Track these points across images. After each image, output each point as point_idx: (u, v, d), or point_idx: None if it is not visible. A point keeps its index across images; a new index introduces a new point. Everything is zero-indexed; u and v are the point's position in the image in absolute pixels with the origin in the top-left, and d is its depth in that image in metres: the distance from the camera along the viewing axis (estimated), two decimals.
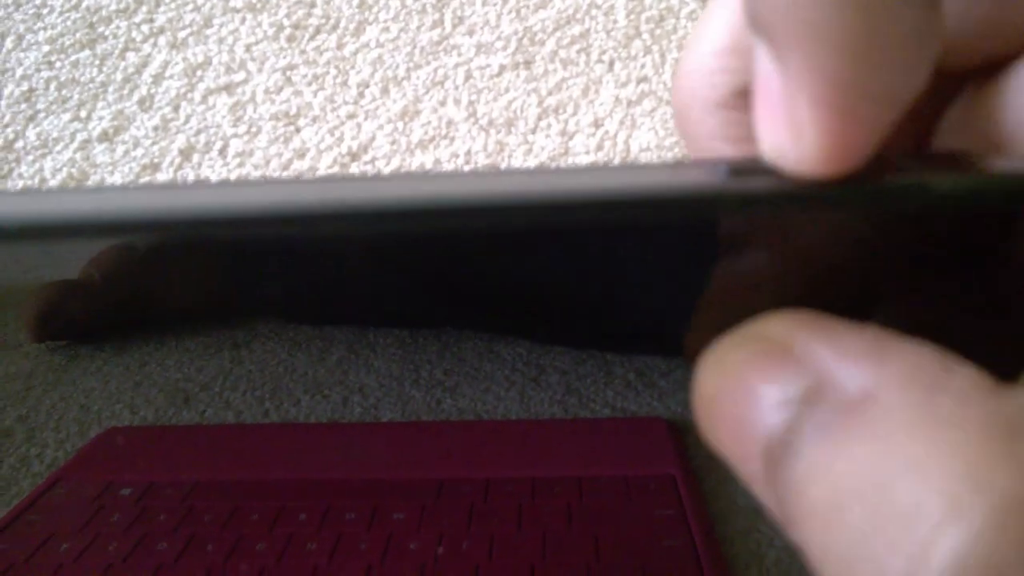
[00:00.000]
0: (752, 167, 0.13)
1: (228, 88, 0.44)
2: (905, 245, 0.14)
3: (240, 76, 0.45)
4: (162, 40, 0.47)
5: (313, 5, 0.48)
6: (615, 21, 0.46)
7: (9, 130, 0.43)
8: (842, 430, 0.10)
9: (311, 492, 0.28)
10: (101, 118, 0.44)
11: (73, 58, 0.46)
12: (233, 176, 0.41)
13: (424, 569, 0.26)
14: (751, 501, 0.25)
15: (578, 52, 0.45)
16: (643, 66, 0.45)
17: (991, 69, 0.15)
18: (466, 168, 0.41)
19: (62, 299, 0.23)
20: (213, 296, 0.23)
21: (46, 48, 0.47)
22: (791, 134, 0.12)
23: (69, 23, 0.48)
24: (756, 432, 0.11)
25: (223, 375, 0.25)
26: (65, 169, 0.41)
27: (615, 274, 0.19)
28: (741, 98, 0.16)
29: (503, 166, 0.41)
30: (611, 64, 0.45)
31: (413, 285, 0.21)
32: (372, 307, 0.23)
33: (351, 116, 0.43)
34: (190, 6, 0.48)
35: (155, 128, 0.43)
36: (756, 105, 0.12)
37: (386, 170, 0.41)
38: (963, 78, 0.16)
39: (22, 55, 0.46)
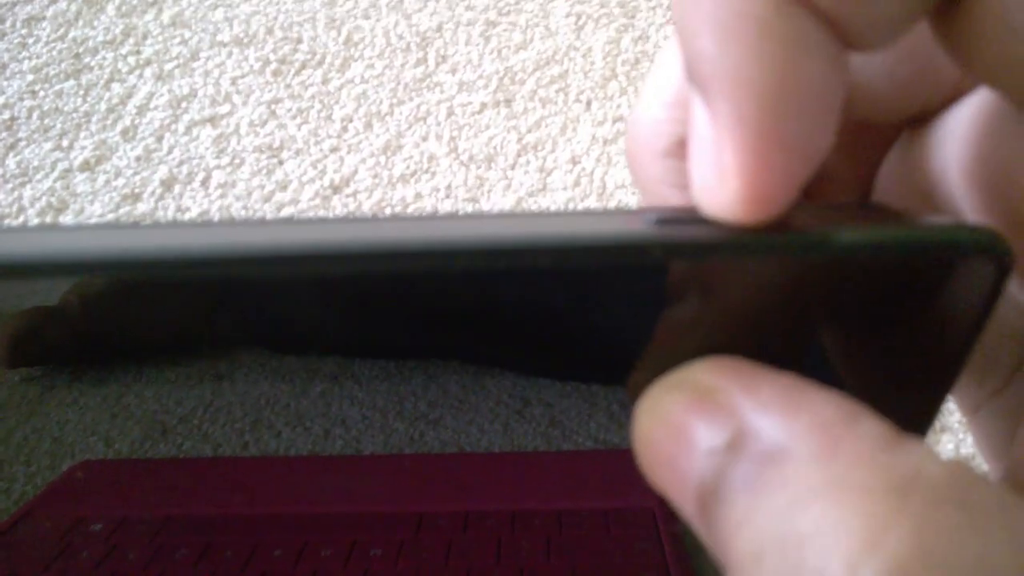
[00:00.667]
0: (680, 217, 0.14)
1: (212, 120, 0.45)
2: (823, 294, 0.15)
3: (225, 108, 0.45)
4: (148, 72, 0.47)
5: (299, 41, 0.48)
6: (592, 63, 0.48)
7: None
8: (761, 483, 0.11)
9: (288, 527, 0.28)
10: (83, 148, 0.44)
11: (57, 87, 0.46)
12: (214, 207, 0.41)
13: None
14: None
15: (557, 92, 0.46)
16: (619, 106, 0.46)
17: (919, 123, 0.16)
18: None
19: (39, 325, 0.23)
20: (195, 325, 0.23)
21: (30, 77, 0.47)
22: (717, 177, 0.13)
23: (55, 53, 0.48)
24: (689, 477, 0.12)
25: (202, 407, 0.25)
26: (44, 198, 0.41)
27: (598, 307, 0.19)
28: (685, 147, 0.17)
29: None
30: (588, 104, 0.46)
31: (399, 316, 0.21)
32: (357, 338, 0.23)
33: (334, 149, 0.44)
34: (177, 39, 0.48)
35: (137, 158, 0.43)
36: (690, 151, 0.13)
37: (367, 203, 0.41)
38: (897, 131, 0.17)
39: (5, 83, 0.46)
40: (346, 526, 0.28)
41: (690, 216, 0.14)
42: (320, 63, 0.47)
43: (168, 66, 0.47)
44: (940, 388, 0.16)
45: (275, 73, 0.47)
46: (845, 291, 0.15)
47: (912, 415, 0.17)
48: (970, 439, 0.34)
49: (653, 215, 0.14)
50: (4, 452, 0.26)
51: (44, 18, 0.50)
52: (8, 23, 0.49)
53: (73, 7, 0.50)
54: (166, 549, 0.28)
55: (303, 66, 0.47)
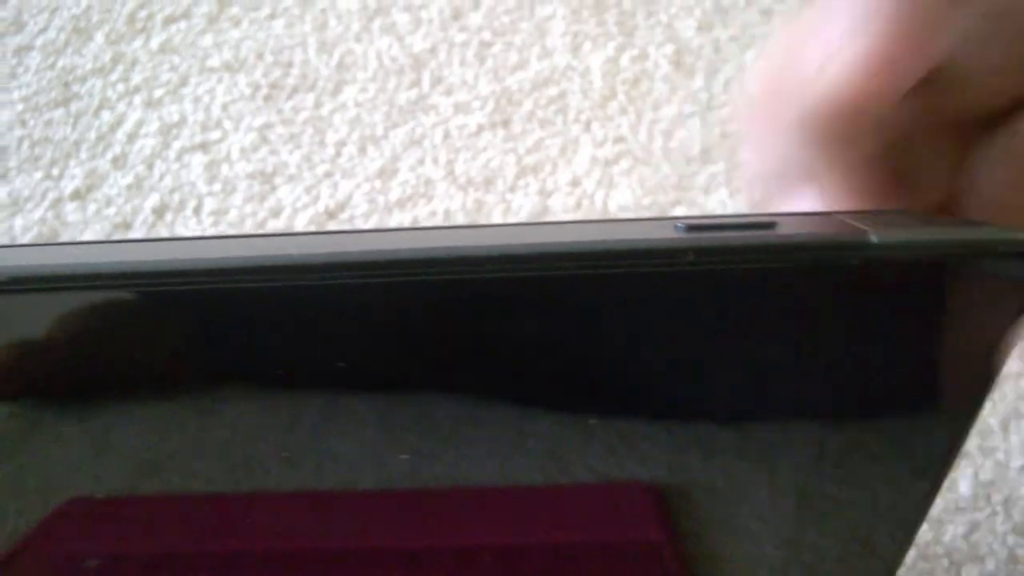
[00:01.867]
0: (708, 224, 0.14)
1: (203, 146, 0.44)
2: (858, 306, 0.15)
3: (216, 135, 0.45)
4: (137, 99, 0.46)
5: (290, 65, 0.48)
6: (591, 83, 0.47)
7: None
8: None
9: (281, 563, 0.27)
10: (73, 176, 0.43)
11: (47, 116, 0.46)
12: (208, 235, 0.40)
13: None
14: (736, 567, 0.24)
15: (555, 112, 0.46)
16: (620, 126, 0.45)
17: (992, 123, 0.16)
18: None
19: (22, 357, 0.22)
20: (179, 361, 0.23)
21: (20, 107, 0.46)
22: (852, 37, 0.14)
23: (44, 82, 0.47)
24: None
25: (190, 443, 0.24)
26: (36, 227, 0.41)
27: (597, 336, 0.19)
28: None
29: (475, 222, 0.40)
30: (588, 124, 0.45)
31: (391, 347, 0.21)
32: (348, 371, 0.22)
33: (328, 175, 0.43)
34: (166, 65, 0.48)
35: (128, 186, 0.42)
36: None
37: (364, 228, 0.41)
38: (990, 127, 0.17)
39: None
40: (340, 562, 0.27)
41: (719, 223, 0.13)
42: (312, 87, 0.47)
43: (157, 93, 0.47)
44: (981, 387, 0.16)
45: (266, 98, 0.46)
46: (880, 303, 0.14)
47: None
48: (988, 464, 0.33)
49: (681, 222, 0.14)
50: None
51: (33, 48, 0.49)
52: None
53: (62, 36, 0.50)
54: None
55: (294, 91, 0.47)
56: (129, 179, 0.43)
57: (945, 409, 0.16)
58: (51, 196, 0.42)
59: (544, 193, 0.42)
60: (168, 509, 0.26)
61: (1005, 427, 0.33)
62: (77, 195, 0.42)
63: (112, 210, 0.41)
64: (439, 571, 0.27)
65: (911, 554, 0.29)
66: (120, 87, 0.47)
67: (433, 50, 0.48)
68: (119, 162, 0.44)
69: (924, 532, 0.30)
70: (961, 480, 0.32)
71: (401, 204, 0.42)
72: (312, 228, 0.41)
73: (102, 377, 0.23)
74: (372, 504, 0.26)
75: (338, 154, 0.44)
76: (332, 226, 0.41)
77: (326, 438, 0.23)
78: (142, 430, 0.24)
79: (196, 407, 0.23)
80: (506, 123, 0.45)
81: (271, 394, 0.23)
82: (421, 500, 0.25)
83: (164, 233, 0.41)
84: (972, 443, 0.33)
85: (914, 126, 0.16)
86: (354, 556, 0.27)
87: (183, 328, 0.22)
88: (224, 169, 0.43)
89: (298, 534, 0.27)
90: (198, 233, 0.41)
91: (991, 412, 0.33)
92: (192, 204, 0.42)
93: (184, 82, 0.47)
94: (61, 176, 0.43)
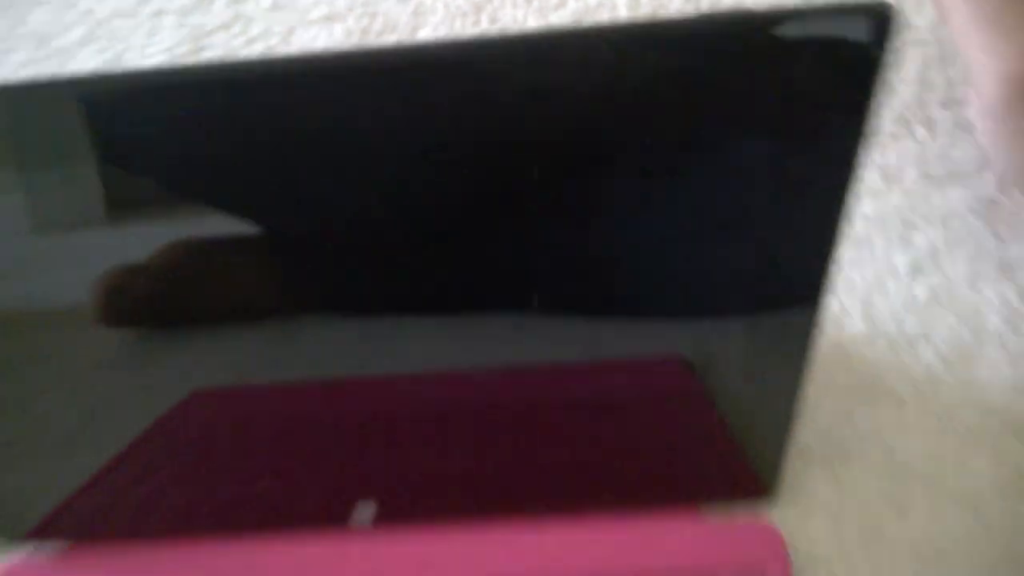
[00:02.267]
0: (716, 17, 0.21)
1: None
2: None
3: None
4: (256, 47, 0.58)
5: (376, 15, 0.59)
6: (618, 15, 0.58)
7: None
8: None
9: (375, 418, 0.31)
10: None
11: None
12: None
13: (480, 444, 0.31)
14: (759, 405, 0.30)
15: None
16: None
17: None
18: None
19: (128, 281, 0.25)
20: (265, 289, 0.26)
21: (160, 57, 0.58)
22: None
23: (179, 37, 0.59)
24: None
25: (278, 357, 0.28)
26: None
27: (629, 239, 0.24)
28: None
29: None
30: None
31: (438, 273, 0.25)
32: (411, 295, 0.26)
33: None
34: (277, 21, 0.59)
35: None
36: None
37: None
38: None
39: (143, 63, 0.58)
40: (418, 423, 0.31)
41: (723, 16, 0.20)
42: (394, 30, 0.58)
43: (272, 42, 0.58)
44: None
45: (359, 41, 0.58)
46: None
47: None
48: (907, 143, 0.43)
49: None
50: (121, 396, 0.29)
51: (167, 11, 0.61)
52: (139, 17, 0.61)
53: (190, 1, 0.61)
54: (281, 428, 0.31)
55: (380, 34, 0.58)
56: None
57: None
58: None
59: None
60: (279, 395, 0.29)
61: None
62: None
63: None
64: (507, 414, 0.30)
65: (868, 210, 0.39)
66: (241, 39, 0.59)
67: None
68: None
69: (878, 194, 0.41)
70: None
71: None
72: None
73: (195, 302, 0.26)
74: (439, 383, 0.29)
75: None
76: None
77: (398, 350, 0.27)
78: (234, 347, 0.27)
79: (279, 330, 0.27)
80: None
81: (346, 319, 0.26)
82: (491, 376, 0.28)
83: None
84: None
85: None
86: (430, 420, 0.31)
87: (266, 261, 0.25)
88: None
89: (385, 400, 0.30)
90: None
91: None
92: None
93: (292, 32, 0.58)
94: None
